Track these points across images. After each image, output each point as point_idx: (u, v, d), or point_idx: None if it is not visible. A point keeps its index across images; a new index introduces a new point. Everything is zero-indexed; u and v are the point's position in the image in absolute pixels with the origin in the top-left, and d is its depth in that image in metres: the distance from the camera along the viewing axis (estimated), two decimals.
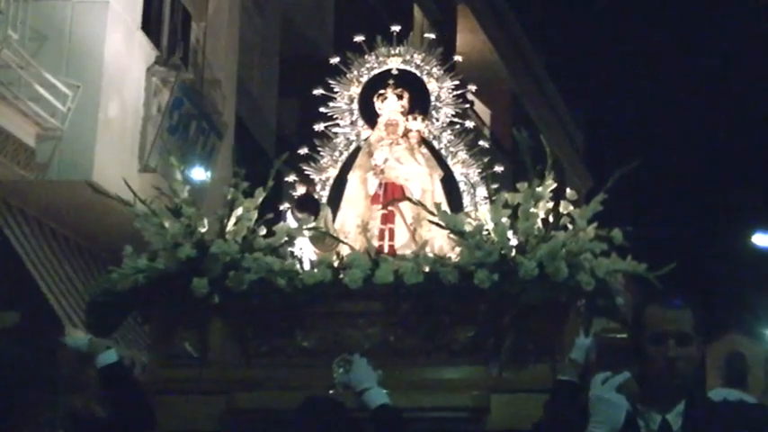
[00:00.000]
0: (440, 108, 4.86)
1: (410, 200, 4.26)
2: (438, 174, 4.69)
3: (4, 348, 2.19)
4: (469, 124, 4.92)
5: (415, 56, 4.88)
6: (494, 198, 3.84)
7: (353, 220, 4.61)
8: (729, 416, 2.68)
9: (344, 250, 4.27)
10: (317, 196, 4.67)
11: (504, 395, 3.64)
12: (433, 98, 4.85)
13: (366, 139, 4.81)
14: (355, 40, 4.89)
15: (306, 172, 4.81)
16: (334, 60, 4.88)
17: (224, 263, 3.72)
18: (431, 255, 3.90)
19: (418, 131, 4.75)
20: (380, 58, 4.89)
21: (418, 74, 4.86)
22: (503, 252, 3.68)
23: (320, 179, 4.80)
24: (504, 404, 3.63)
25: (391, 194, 4.62)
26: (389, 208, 4.59)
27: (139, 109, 8.27)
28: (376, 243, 4.52)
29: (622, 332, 3.03)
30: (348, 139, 4.87)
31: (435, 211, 3.86)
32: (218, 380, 3.81)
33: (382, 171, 4.66)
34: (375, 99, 4.81)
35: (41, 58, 7.39)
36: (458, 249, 4.03)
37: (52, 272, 7.81)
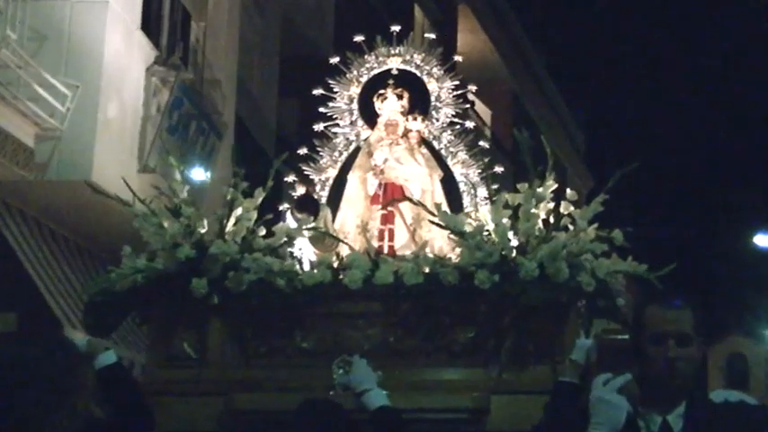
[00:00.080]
0: (440, 108, 4.84)
1: (410, 200, 4.25)
2: (438, 174, 4.68)
3: (5, 349, 2.18)
4: (470, 124, 4.91)
5: (415, 56, 4.86)
6: (494, 198, 3.82)
7: (353, 221, 4.60)
8: (730, 417, 2.67)
9: (344, 251, 4.26)
10: (316, 196, 4.65)
11: (505, 396, 3.63)
12: (433, 98, 4.84)
13: (366, 140, 4.79)
14: (355, 39, 4.87)
15: (305, 172, 4.79)
16: (334, 60, 4.87)
17: (223, 263, 3.71)
18: (431, 255, 3.88)
19: (418, 131, 4.74)
20: (380, 58, 4.87)
21: (418, 74, 4.85)
22: (503, 253, 3.67)
23: (320, 179, 4.79)
24: (504, 405, 3.61)
25: (391, 195, 4.61)
26: (389, 208, 4.58)
27: (139, 109, 8.26)
28: (375, 243, 4.50)
29: (623, 333, 3.01)
30: (348, 139, 4.85)
31: (436, 212, 3.84)
32: (216, 381, 3.79)
33: (382, 171, 4.64)
34: (375, 99, 4.80)
35: (40, 58, 7.38)
36: (457, 250, 4.01)
37: (51, 272, 7.80)
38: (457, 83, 4.82)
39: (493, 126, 16.00)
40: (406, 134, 4.73)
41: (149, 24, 8.63)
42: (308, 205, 4.40)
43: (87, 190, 7.09)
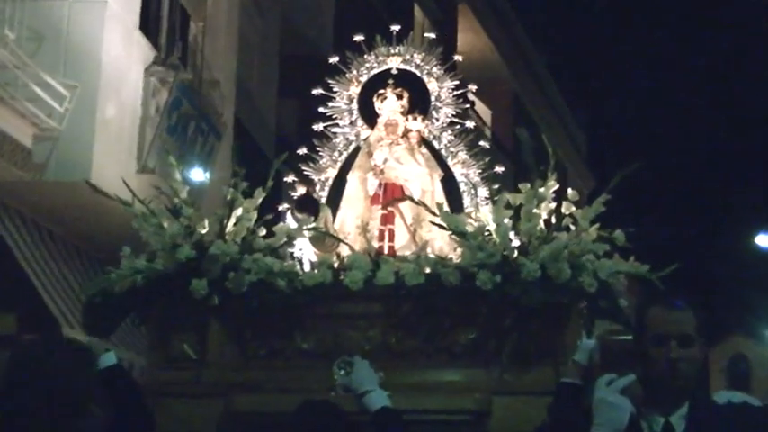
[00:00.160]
0: (440, 108, 4.82)
1: (412, 199, 4.23)
2: (438, 174, 4.66)
3: (20, 352, 2.16)
4: (470, 124, 4.89)
5: (415, 55, 4.84)
6: (495, 198, 3.80)
7: (353, 221, 4.58)
8: (734, 418, 2.66)
9: (344, 251, 4.24)
10: (316, 197, 4.63)
11: (506, 397, 3.61)
12: (433, 98, 4.82)
13: (366, 140, 4.77)
14: (355, 39, 4.85)
15: (305, 172, 4.77)
16: (334, 60, 4.85)
17: (223, 264, 3.69)
18: (432, 256, 3.86)
19: (418, 131, 4.72)
20: (380, 58, 4.85)
21: (418, 73, 4.83)
22: (505, 253, 3.65)
23: (319, 179, 4.77)
24: (505, 407, 3.59)
25: (391, 195, 4.59)
26: (389, 209, 4.56)
27: (137, 109, 8.25)
28: (376, 244, 4.49)
29: (627, 334, 3.00)
30: (347, 139, 4.83)
31: (437, 212, 3.82)
32: (216, 382, 3.77)
33: (382, 171, 4.62)
34: (375, 99, 4.78)
35: (38, 58, 7.36)
36: (458, 250, 4.00)
37: (49, 273, 7.78)
38: (457, 82, 4.80)
39: (493, 126, 15.96)
40: (406, 134, 4.71)
41: (148, 24, 8.61)
42: (308, 205, 4.38)
43: (85, 190, 7.09)
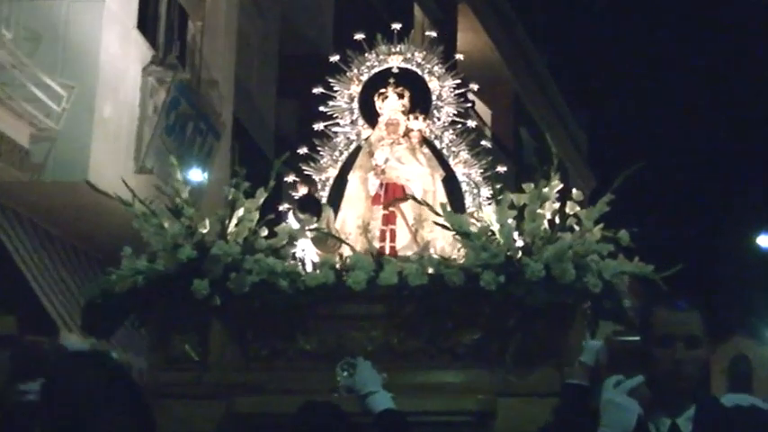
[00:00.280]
0: (441, 107, 4.80)
1: (415, 199, 4.20)
2: (440, 174, 4.63)
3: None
4: (471, 124, 4.86)
5: (416, 54, 4.81)
6: (499, 198, 3.77)
7: (354, 221, 4.55)
8: (741, 421, 2.65)
9: (346, 251, 4.21)
10: (317, 196, 4.60)
11: (510, 398, 3.59)
12: (434, 97, 4.79)
13: (366, 139, 4.74)
14: (356, 37, 4.83)
15: (307, 172, 4.74)
16: (335, 59, 4.82)
17: (225, 264, 3.66)
18: (436, 256, 3.84)
19: (419, 131, 4.69)
20: (381, 57, 4.82)
21: (419, 72, 4.80)
22: (509, 253, 3.62)
23: (320, 179, 4.74)
24: (509, 408, 3.57)
25: (392, 195, 4.56)
26: (390, 209, 4.53)
27: (135, 109, 8.22)
28: (377, 244, 4.46)
29: (634, 335, 2.98)
30: (348, 138, 4.80)
31: (441, 212, 3.80)
32: (218, 383, 3.74)
33: (383, 171, 4.59)
34: (376, 98, 4.75)
35: (36, 58, 7.34)
36: (460, 251, 3.97)
37: (46, 274, 7.74)
38: (459, 81, 4.78)
39: (494, 126, 15.91)
40: (407, 133, 4.69)
41: (146, 24, 8.58)
42: (310, 205, 4.35)
43: (83, 191, 7.08)
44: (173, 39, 9.00)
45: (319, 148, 4.78)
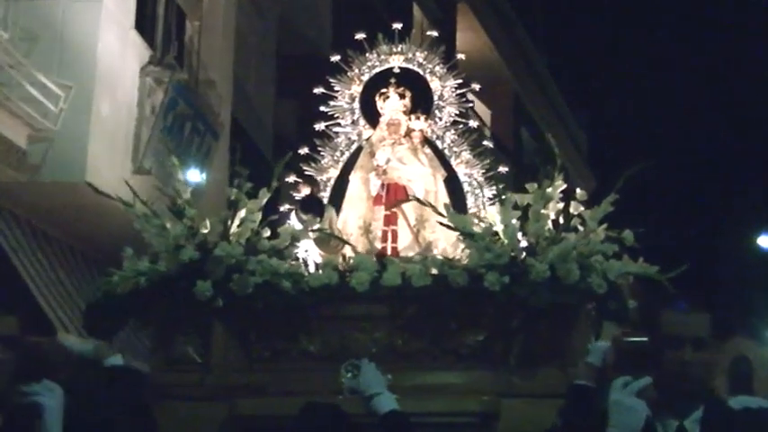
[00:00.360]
0: (443, 107, 4.79)
1: (418, 200, 4.18)
2: (441, 174, 4.62)
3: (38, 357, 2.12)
4: (473, 124, 4.85)
5: (418, 54, 4.80)
6: (503, 198, 3.76)
7: (355, 222, 4.54)
8: (750, 423, 2.64)
9: (347, 252, 4.19)
10: (320, 197, 4.58)
11: (514, 400, 3.57)
12: (435, 97, 4.78)
13: (368, 139, 4.73)
14: (357, 37, 4.81)
15: (308, 173, 4.72)
16: (335, 58, 4.80)
17: (228, 265, 3.64)
18: (439, 257, 3.82)
19: (421, 131, 4.68)
20: (382, 57, 4.81)
21: (421, 72, 4.79)
22: (513, 254, 3.61)
23: (321, 179, 4.73)
24: (513, 409, 3.56)
25: (394, 195, 4.55)
26: (392, 209, 4.52)
27: (133, 109, 8.18)
28: (378, 245, 4.44)
29: (641, 336, 2.97)
30: (349, 138, 4.79)
31: (444, 212, 3.78)
32: (220, 385, 3.72)
33: (384, 171, 4.58)
34: (377, 98, 4.73)
35: (33, 58, 7.29)
36: (461, 251, 3.96)
37: (44, 275, 7.70)
38: (460, 81, 4.77)
39: (493, 126, 15.88)
40: (408, 134, 4.68)
41: (144, 24, 8.55)
42: (312, 206, 4.33)
43: (81, 191, 7.02)
44: (170, 39, 8.97)
45: (320, 149, 4.77)
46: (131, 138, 8.09)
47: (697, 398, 2.61)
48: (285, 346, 3.76)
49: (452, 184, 4.61)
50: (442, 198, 4.47)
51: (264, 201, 3.84)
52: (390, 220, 4.53)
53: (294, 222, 4.25)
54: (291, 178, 4.70)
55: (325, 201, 4.58)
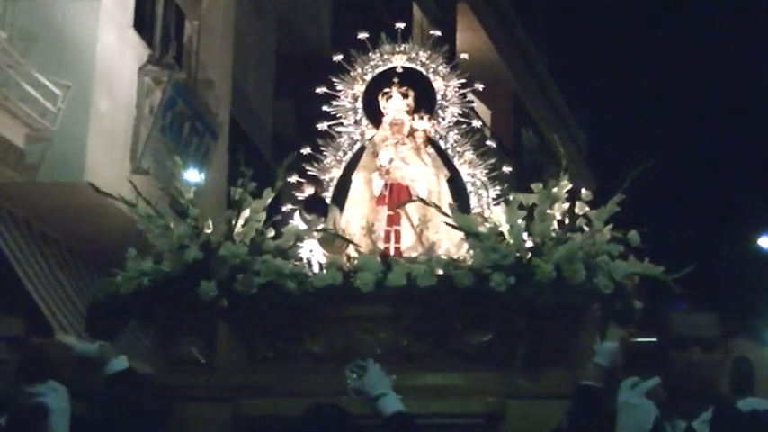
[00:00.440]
0: (446, 107, 4.77)
1: (422, 200, 4.16)
2: (444, 174, 4.60)
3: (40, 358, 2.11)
4: (477, 124, 4.84)
5: (420, 53, 4.79)
6: (509, 198, 3.75)
7: (358, 222, 4.52)
8: (759, 426, 2.64)
9: (352, 252, 4.17)
10: (323, 197, 4.57)
11: (520, 401, 3.56)
12: (438, 97, 4.77)
13: (371, 139, 4.71)
14: (359, 37, 4.79)
15: (311, 173, 4.71)
16: (338, 58, 4.78)
17: (232, 265, 3.62)
18: (444, 257, 3.80)
19: (424, 131, 4.67)
20: (385, 56, 4.79)
21: (424, 72, 4.77)
22: (518, 254, 3.59)
23: (323, 179, 4.71)
24: (519, 410, 3.55)
25: (397, 195, 4.53)
26: (397, 209, 4.50)
27: (132, 109, 8.16)
28: (381, 245, 4.42)
29: (647, 336, 2.96)
30: (352, 138, 4.77)
31: (449, 213, 3.76)
32: (224, 385, 3.70)
33: (387, 171, 4.56)
34: (380, 98, 4.72)
35: (31, 57, 7.28)
36: (465, 251, 3.94)
37: (42, 275, 7.67)
38: (464, 81, 4.75)
39: (493, 127, 15.87)
40: (411, 133, 4.66)
41: (142, 23, 8.53)
42: (316, 206, 4.32)
43: (79, 191, 7.00)
44: (169, 38, 8.95)
45: (323, 149, 4.75)
46: (130, 137, 8.07)
47: (704, 398, 2.60)
48: (289, 346, 3.74)
49: (455, 184, 4.59)
50: (445, 198, 4.45)
51: (269, 201, 3.82)
52: (393, 220, 4.51)
53: (298, 222, 4.23)
54: (294, 178, 4.68)
55: (328, 201, 4.56)
